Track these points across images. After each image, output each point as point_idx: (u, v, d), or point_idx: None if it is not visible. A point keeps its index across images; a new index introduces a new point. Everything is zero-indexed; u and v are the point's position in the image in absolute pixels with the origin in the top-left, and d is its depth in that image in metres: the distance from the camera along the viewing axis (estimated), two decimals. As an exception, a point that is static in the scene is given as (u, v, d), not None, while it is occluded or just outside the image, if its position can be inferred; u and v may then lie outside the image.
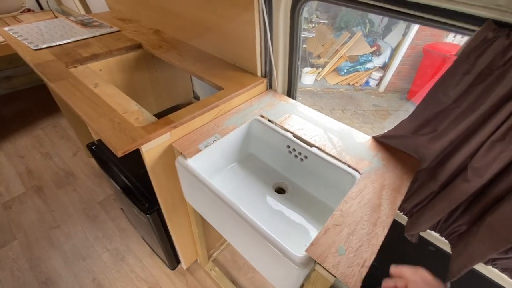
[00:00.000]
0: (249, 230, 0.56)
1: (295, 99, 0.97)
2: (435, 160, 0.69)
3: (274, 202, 0.79)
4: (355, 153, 0.73)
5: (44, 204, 1.55)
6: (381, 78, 4.27)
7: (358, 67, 4.31)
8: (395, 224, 0.86)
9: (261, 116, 0.84)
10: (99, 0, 1.58)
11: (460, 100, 0.55)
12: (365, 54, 4.32)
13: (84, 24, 1.18)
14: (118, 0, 1.33)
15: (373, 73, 4.27)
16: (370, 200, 0.61)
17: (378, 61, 4.30)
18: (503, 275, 0.73)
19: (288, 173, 0.86)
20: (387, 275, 1.04)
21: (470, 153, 0.60)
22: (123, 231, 1.45)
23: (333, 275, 0.48)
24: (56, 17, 1.44)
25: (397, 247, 0.96)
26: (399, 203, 0.62)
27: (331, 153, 0.72)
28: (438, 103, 0.59)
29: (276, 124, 0.81)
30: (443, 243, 0.82)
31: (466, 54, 0.49)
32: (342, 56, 4.30)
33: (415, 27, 3.98)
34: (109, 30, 1.14)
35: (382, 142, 0.77)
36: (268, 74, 0.91)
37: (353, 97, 4.12)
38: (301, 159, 0.79)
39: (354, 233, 0.54)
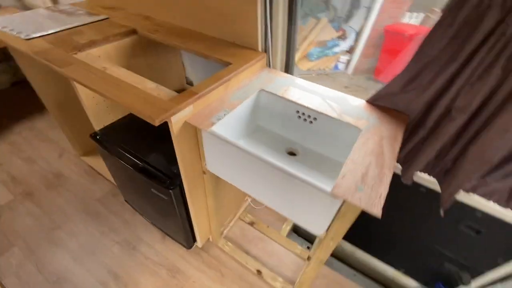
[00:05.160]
0: (284, 177, 0.64)
1: (292, 73, 1.05)
2: (422, 110, 0.81)
3: (287, 163, 0.87)
4: (353, 114, 0.82)
5: (37, 208, 1.49)
6: (349, 61, 4.51)
7: (327, 51, 4.50)
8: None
9: (263, 90, 0.90)
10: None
11: (444, 51, 0.67)
12: (332, 39, 4.52)
13: (69, 13, 1.14)
14: (98, -12, 1.30)
15: (341, 56, 4.49)
16: (374, 149, 0.71)
17: (344, 45, 4.52)
18: (482, 200, 0.89)
19: (298, 137, 0.94)
20: (385, 227, 1.23)
21: (453, 97, 0.72)
22: (128, 223, 1.45)
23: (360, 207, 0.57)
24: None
25: (395, 195, 1.10)
26: (397, 148, 0.73)
27: (332, 116, 0.81)
28: (426, 56, 0.70)
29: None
30: (432, 183, 0.96)
31: (450, 8, 0.60)
32: (311, 42, 4.46)
33: (376, 10, 4.22)
34: (98, 18, 1.12)
35: (375, 103, 0.88)
36: (268, 50, 0.97)
37: (325, 80, 4.33)
38: (310, 122, 0.88)
39: (367, 174, 0.63)
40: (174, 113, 0.66)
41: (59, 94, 1.39)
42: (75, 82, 0.93)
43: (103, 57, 0.99)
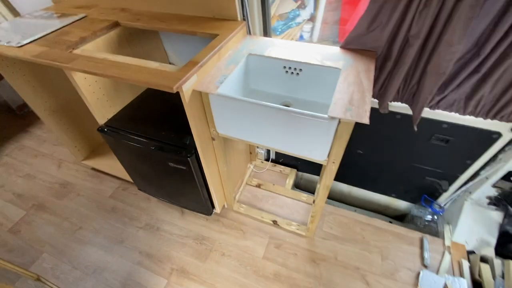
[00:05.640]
0: (289, 117, 0.77)
1: (271, 36, 1.16)
2: (386, 44, 0.97)
3: (286, 113, 1.01)
4: (332, 59, 0.97)
5: (53, 216, 1.54)
6: (312, 29, 4.63)
7: (290, 23, 4.58)
8: (370, 112, 1.15)
9: (250, 54, 1.02)
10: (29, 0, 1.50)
11: (394, -11, 0.81)
12: (292, 9, 4.59)
13: (46, 18, 1.17)
14: (65, -10, 1.31)
15: (304, 26, 4.59)
16: (354, 81, 0.86)
17: (305, 14, 4.61)
18: (446, 113, 1.08)
19: (288, 91, 1.08)
20: (372, 160, 1.43)
21: (408, 27, 0.88)
22: (145, 209, 1.55)
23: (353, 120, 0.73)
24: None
25: (376, 130, 1.28)
26: (372, 77, 0.88)
27: (315, 63, 0.95)
28: (381, -4, 0.84)
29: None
30: (405, 109, 1.14)
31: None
32: (273, 16, 4.51)
33: (328, -26, 4.31)
34: (77, 18, 1.15)
35: (347, 47, 1.03)
36: (246, 18, 1.08)
37: (294, 51, 4.42)
38: (297, 74, 1.01)
39: (352, 99, 0.78)
40: (185, 81, 0.76)
41: (52, 102, 1.42)
42: (75, 80, 0.99)
43: (95, 51, 1.05)
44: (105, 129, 1.14)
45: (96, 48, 1.05)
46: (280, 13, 5.06)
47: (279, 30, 5.08)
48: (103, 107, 1.14)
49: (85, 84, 1.03)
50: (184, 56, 1.44)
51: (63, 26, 1.09)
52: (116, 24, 1.13)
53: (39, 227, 1.50)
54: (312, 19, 5.22)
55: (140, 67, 0.82)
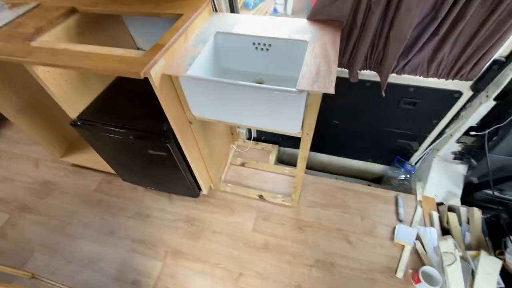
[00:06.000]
0: (260, 93, 0.79)
1: (238, 12, 1.14)
2: (351, 13, 0.98)
3: (259, 90, 1.02)
4: (299, 32, 0.97)
5: (39, 216, 1.53)
6: (285, 2, 4.50)
7: (262, -4, 4.43)
8: (341, 82, 1.18)
9: (218, 32, 1.00)
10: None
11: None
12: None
13: (-6, 9, 1.08)
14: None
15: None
16: (320, 52, 0.88)
17: (277, -14, 4.46)
18: (411, 77, 1.13)
19: (261, 68, 1.08)
20: (348, 129, 1.47)
21: (369, -4, 0.89)
22: (133, 199, 1.56)
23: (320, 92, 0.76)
24: None
25: (349, 100, 1.33)
26: (338, 47, 0.90)
27: (283, 37, 0.96)
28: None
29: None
30: (373, 76, 1.18)
31: None
32: (244, -10, 4.33)
33: None
34: (29, 6, 1.08)
35: (314, 19, 1.03)
36: (211, -5, 1.05)
37: (269, 26, 4.32)
38: (267, 49, 1.01)
39: (319, 70, 0.80)
40: (152, 66, 0.76)
41: (18, 100, 1.35)
42: (38, 75, 0.95)
43: (54, 41, 1.00)
44: (78, 123, 1.11)
45: (55, 38, 1.00)
46: (251, -13, 4.78)
47: (252, 4, 4.89)
48: (72, 101, 1.11)
49: (49, 78, 0.99)
50: (152, 40, 1.38)
51: (16, 18, 1.02)
52: (73, 11, 1.06)
53: (26, 228, 1.49)
54: (284, -10, 4.96)
55: (105, 55, 0.80)
